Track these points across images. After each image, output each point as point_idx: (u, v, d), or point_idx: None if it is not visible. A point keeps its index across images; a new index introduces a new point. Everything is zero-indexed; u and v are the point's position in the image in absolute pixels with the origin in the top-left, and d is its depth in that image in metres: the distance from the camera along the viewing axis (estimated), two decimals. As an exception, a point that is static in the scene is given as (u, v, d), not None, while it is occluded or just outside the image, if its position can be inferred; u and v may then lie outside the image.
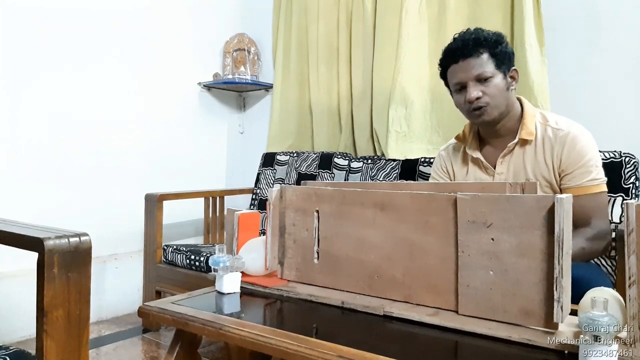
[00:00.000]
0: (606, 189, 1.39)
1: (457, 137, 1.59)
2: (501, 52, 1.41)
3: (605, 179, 1.39)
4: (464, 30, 1.47)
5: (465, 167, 1.56)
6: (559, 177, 1.39)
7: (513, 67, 1.46)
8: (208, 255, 2.19)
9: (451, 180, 1.60)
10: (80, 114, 2.49)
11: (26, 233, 0.91)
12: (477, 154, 1.52)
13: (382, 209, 1.14)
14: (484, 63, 1.40)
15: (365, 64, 2.57)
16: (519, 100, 1.49)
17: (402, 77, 2.36)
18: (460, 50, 1.42)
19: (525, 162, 1.43)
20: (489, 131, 1.50)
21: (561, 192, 1.38)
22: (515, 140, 1.43)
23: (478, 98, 1.40)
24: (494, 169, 1.48)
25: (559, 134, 1.40)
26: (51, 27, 2.38)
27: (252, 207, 2.80)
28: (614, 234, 1.58)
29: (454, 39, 1.47)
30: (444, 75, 1.52)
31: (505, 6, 2.13)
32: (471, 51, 1.40)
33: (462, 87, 1.44)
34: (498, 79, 1.41)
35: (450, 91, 1.52)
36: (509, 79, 1.44)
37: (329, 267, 1.23)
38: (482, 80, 1.40)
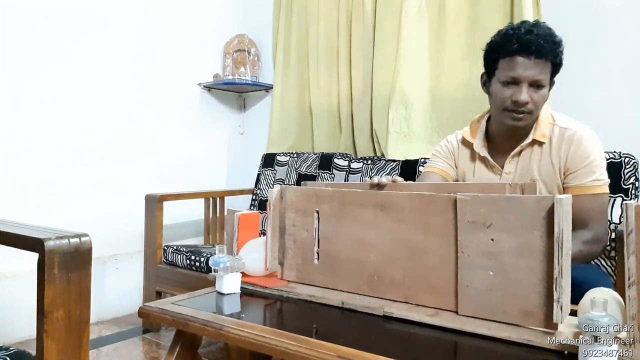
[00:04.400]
0: (608, 191, 1.38)
1: (464, 134, 1.55)
2: (559, 62, 1.36)
3: (608, 180, 1.38)
4: (534, 22, 1.36)
5: (472, 164, 1.54)
6: (563, 176, 1.39)
7: (554, 80, 1.42)
8: (208, 255, 2.19)
9: (453, 169, 1.58)
10: (81, 115, 2.49)
11: (26, 234, 0.91)
12: (485, 153, 1.50)
13: (382, 209, 1.14)
14: (546, 70, 1.34)
15: (365, 64, 2.57)
16: None
17: (402, 77, 2.36)
18: (535, 46, 1.30)
19: (532, 162, 1.42)
20: (504, 132, 1.45)
21: (564, 191, 1.38)
22: (527, 141, 1.41)
23: (526, 103, 1.34)
24: (502, 168, 1.47)
25: (565, 133, 1.39)
26: (51, 27, 2.38)
27: (252, 207, 2.80)
28: (613, 235, 1.58)
29: (529, 30, 1.33)
30: (492, 54, 1.40)
31: (505, 7, 2.13)
32: (545, 53, 1.32)
33: (514, 83, 1.35)
34: (546, 90, 1.37)
35: (487, 72, 1.44)
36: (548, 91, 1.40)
37: (329, 267, 1.23)
38: (535, 86, 1.35)
